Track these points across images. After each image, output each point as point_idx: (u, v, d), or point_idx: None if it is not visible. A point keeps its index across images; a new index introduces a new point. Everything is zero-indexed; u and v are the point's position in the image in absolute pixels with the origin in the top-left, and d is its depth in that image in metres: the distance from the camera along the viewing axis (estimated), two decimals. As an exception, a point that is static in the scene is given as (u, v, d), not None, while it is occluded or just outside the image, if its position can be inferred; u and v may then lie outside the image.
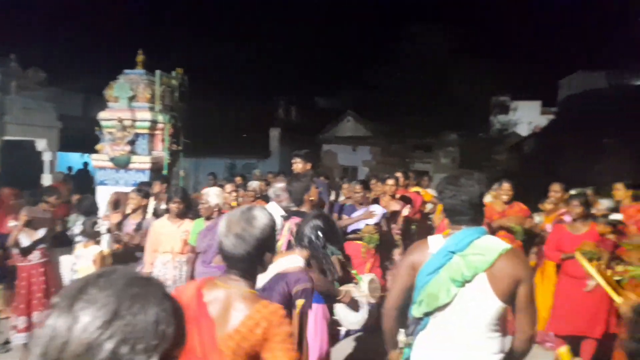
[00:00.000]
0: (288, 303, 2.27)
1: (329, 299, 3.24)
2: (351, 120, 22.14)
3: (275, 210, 3.89)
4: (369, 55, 26.46)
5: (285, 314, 1.59)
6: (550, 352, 4.67)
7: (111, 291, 0.79)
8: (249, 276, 1.67)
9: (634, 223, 4.48)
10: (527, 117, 26.31)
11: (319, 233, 2.66)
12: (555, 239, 4.50)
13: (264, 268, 1.72)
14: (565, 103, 23.58)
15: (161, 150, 7.53)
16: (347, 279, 3.69)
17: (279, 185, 3.97)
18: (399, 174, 6.80)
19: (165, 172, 7.36)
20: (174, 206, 4.58)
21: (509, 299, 1.95)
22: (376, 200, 5.66)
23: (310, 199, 3.68)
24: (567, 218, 4.59)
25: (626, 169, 14.13)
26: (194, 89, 8.60)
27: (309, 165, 4.68)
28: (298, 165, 4.69)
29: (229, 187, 5.15)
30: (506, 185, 5.08)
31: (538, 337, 4.86)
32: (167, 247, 4.52)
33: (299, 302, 2.25)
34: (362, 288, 3.43)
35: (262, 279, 2.38)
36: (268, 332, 1.51)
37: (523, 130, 25.35)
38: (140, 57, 7.60)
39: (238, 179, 8.30)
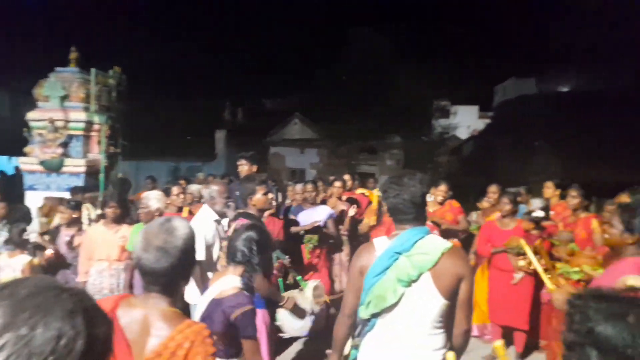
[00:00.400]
0: (229, 331, 2.13)
1: (272, 304, 3.18)
2: (298, 123, 22.19)
3: (207, 214, 3.78)
4: (316, 58, 26.66)
5: (209, 333, 1.49)
6: (489, 344, 4.87)
7: (10, 301, 0.73)
8: (171, 293, 1.54)
9: (561, 220, 4.78)
10: (466, 121, 27.60)
11: (253, 246, 2.43)
12: (486, 234, 4.77)
13: (187, 282, 1.62)
14: (500, 108, 24.98)
15: (97, 153, 7.19)
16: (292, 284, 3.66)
17: (214, 187, 3.84)
18: (346, 177, 6.85)
19: (101, 175, 7.00)
20: (109, 211, 4.36)
21: (452, 295, 2.01)
22: (323, 202, 5.67)
23: (253, 204, 3.55)
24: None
25: (555, 169, 15.15)
26: (133, 88, 8.28)
27: (254, 167, 4.60)
28: (244, 167, 4.60)
29: (175, 189, 4.94)
30: (443, 187, 5.20)
31: (478, 330, 5.06)
32: (103, 255, 4.29)
33: None
34: (306, 294, 3.40)
35: (199, 308, 2.27)
36: (190, 353, 1.41)
37: (462, 133, 26.55)
38: (73, 54, 7.26)
39: (182, 182, 8.04)
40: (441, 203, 5.22)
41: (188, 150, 19.35)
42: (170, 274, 1.51)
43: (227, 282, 2.28)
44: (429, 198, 5.40)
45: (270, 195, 3.59)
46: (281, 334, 3.45)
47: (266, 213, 3.94)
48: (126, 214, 4.59)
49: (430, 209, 5.18)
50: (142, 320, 1.46)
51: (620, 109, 16.52)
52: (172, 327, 1.44)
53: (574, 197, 4.53)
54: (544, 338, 4.53)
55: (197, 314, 2.27)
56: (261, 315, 3.10)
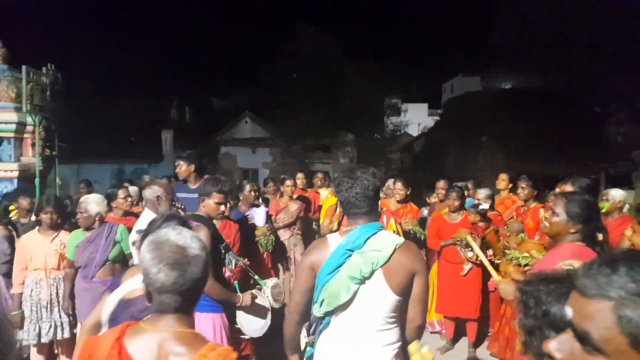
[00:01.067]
0: None
1: (229, 306, 3.04)
2: (249, 122, 21.82)
3: (150, 217, 3.55)
4: (264, 55, 26.43)
5: (237, 357, 1.32)
6: (444, 338, 4.95)
7: None
8: (189, 311, 1.37)
9: (513, 211, 4.96)
10: (416, 118, 28.30)
11: None
12: (435, 228, 4.85)
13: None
14: (448, 105, 25.77)
15: (32, 156, 6.76)
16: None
17: (157, 187, 3.60)
18: (299, 175, 6.78)
19: (37, 180, 6.55)
20: (45, 217, 4.05)
21: (404, 291, 1.99)
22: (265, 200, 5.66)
23: (203, 206, 3.20)
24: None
25: (501, 163, 15.81)
26: (71, 87, 7.83)
27: (192, 167, 4.45)
28: (182, 167, 4.45)
29: (121, 193, 4.66)
30: (398, 185, 5.23)
31: (439, 325, 5.13)
32: (39, 264, 4.01)
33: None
34: (265, 294, 3.30)
35: (107, 308, 1.99)
36: None
37: (414, 130, 27.18)
38: (1, 51, 6.80)
39: (126, 185, 7.66)
40: (400, 202, 5.27)
41: (133, 152, 18.58)
42: (201, 285, 1.35)
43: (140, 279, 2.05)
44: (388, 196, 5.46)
45: (222, 209, 3.27)
46: (242, 336, 3.32)
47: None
48: (64, 219, 4.28)
49: (392, 207, 5.20)
50: (157, 346, 1.28)
51: (558, 105, 17.49)
52: (194, 352, 1.27)
53: (523, 188, 4.71)
54: (493, 326, 4.66)
55: (104, 314, 1.99)
56: (220, 320, 2.96)
